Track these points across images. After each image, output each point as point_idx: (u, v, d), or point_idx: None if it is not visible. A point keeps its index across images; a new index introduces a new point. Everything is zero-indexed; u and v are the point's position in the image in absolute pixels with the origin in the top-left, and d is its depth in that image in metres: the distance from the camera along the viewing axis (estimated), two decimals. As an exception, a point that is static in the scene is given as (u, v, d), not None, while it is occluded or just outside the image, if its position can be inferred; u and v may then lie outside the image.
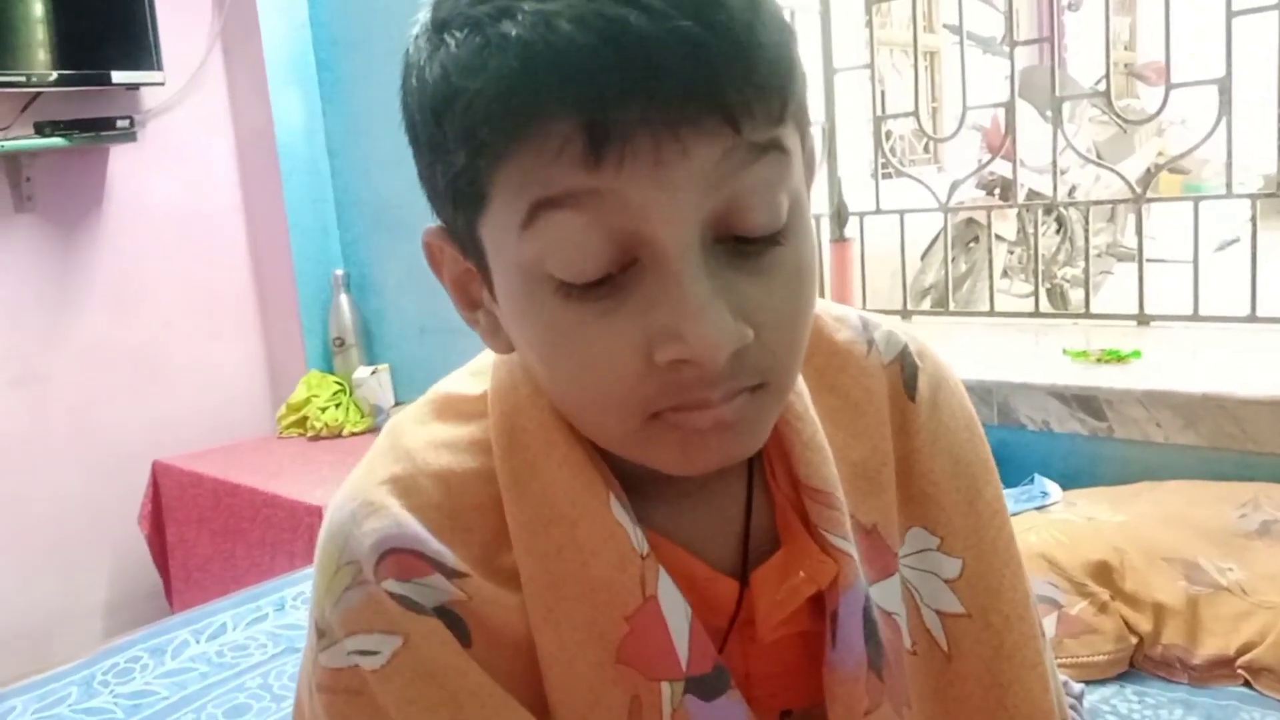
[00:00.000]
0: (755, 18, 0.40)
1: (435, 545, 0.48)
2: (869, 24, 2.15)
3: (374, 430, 2.43)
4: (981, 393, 1.58)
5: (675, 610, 0.49)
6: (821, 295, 2.22)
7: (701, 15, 0.38)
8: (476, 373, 0.56)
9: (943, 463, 0.58)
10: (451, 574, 0.48)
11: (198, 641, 1.41)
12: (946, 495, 0.57)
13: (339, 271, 2.55)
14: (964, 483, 0.58)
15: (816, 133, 2.20)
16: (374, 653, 0.48)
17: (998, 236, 3.38)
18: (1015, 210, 3.33)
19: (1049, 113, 1.99)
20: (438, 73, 0.42)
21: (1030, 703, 0.56)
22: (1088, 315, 1.96)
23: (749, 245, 0.42)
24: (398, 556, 0.48)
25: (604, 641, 0.49)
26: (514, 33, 0.39)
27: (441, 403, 0.55)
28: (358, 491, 0.51)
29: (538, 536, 0.49)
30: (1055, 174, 2.02)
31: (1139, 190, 1.89)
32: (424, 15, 0.45)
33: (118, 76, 2.21)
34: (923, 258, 3.37)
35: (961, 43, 2.02)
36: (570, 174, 0.39)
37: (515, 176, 0.41)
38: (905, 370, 0.59)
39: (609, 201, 0.40)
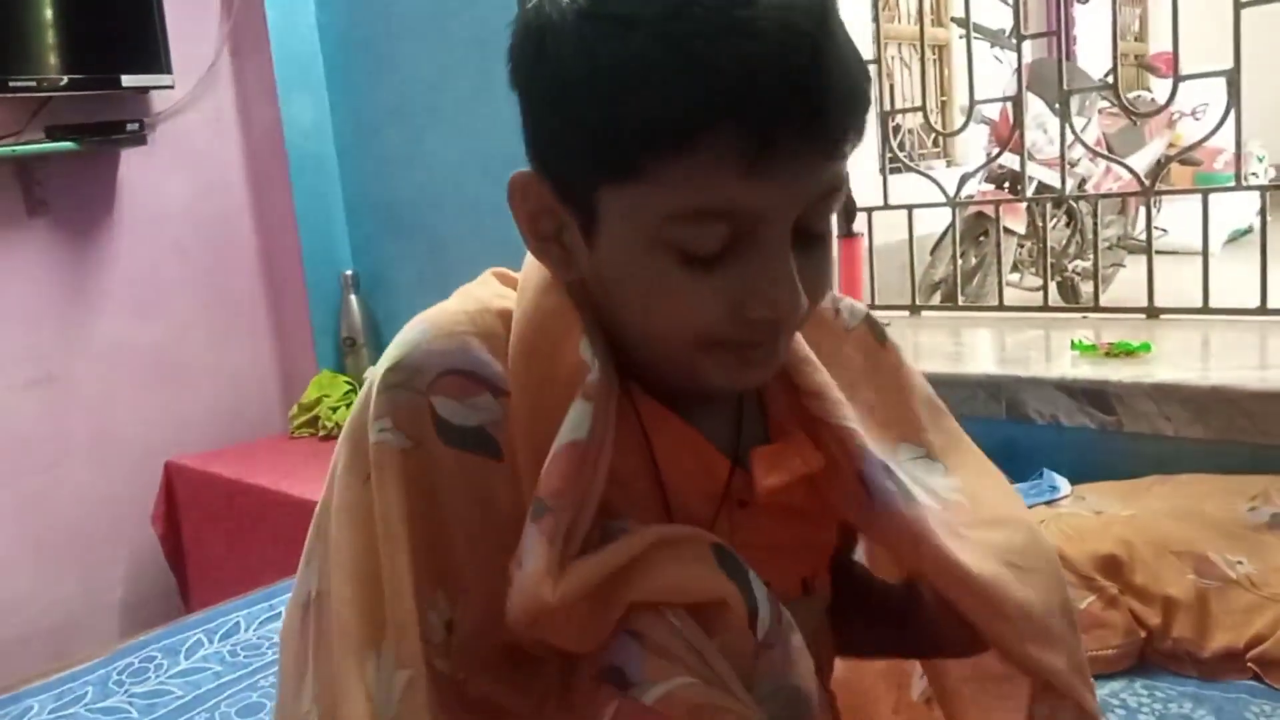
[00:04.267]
0: (864, 76, 0.54)
1: (494, 369, 0.59)
2: (876, 18, 2.14)
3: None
4: (991, 388, 1.58)
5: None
6: (830, 289, 2.22)
7: (844, 74, 0.51)
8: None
9: (918, 395, 0.74)
10: (498, 392, 0.59)
11: (211, 641, 1.43)
12: (921, 418, 0.73)
13: (349, 272, 2.56)
14: (932, 408, 0.75)
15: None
16: (398, 442, 0.57)
17: (1007, 230, 3.37)
18: (1025, 204, 3.32)
19: (1058, 105, 1.99)
20: (623, 63, 0.50)
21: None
22: (1096, 309, 1.95)
23: (808, 238, 0.56)
24: (456, 377, 0.58)
25: None
26: (714, 54, 0.48)
27: (500, 274, 0.67)
28: (434, 319, 0.61)
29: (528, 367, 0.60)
30: (1064, 167, 2.01)
31: (1148, 182, 1.88)
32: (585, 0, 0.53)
33: (128, 80, 2.22)
34: (932, 252, 3.36)
35: (969, 36, 2.02)
36: (727, 181, 0.50)
37: (680, 173, 0.50)
38: (874, 329, 0.75)
39: (746, 213, 0.52)
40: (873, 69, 2.14)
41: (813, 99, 0.50)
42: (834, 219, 0.61)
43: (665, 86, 0.49)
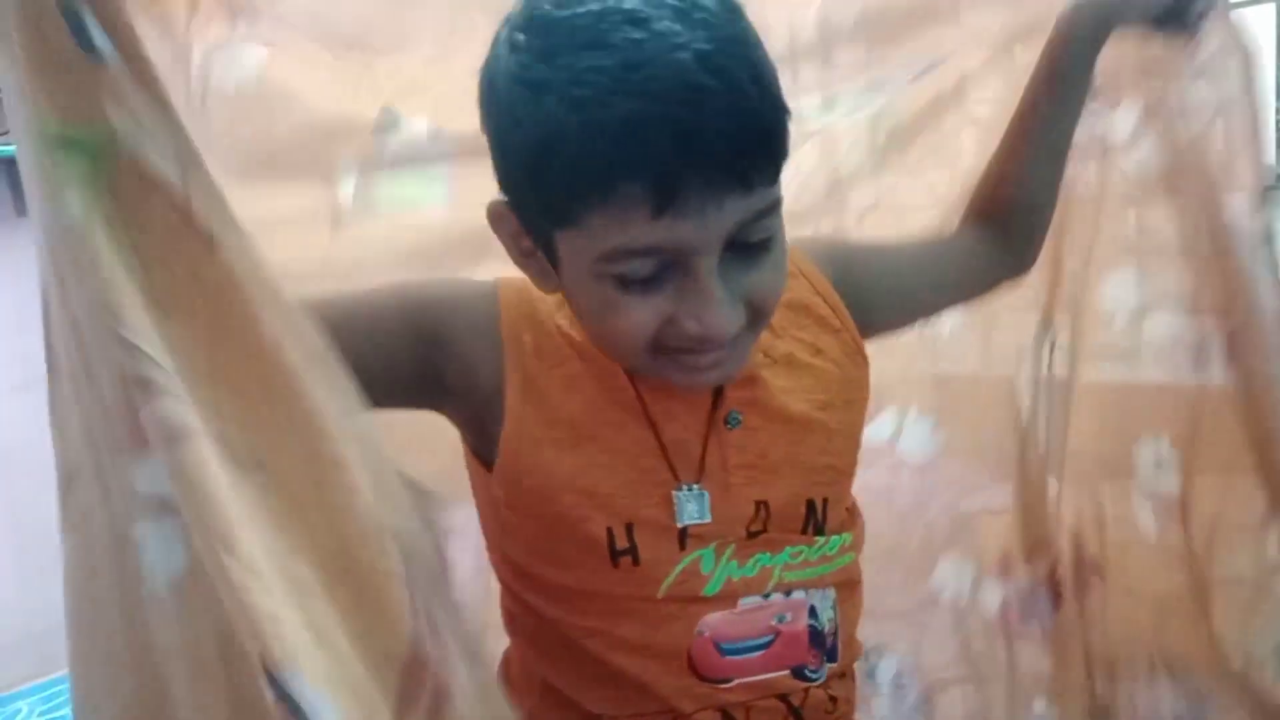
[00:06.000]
0: (775, 110, 0.57)
1: None
2: None
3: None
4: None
5: None
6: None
7: (740, 116, 0.55)
8: None
9: None
10: None
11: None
12: None
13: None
14: None
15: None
16: None
17: None
18: None
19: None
20: (540, 129, 0.55)
21: None
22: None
23: (746, 250, 0.59)
24: None
25: None
26: (607, 117, 0.53)
27: None
28: None
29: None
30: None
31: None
32: (515, 60, 0.57)
33: (117, 82, 2.21)
34: None
35: None
36: (640, 225, 0.55)
37: (602, 220, 0.56)
38: None
39: (666, 248, 0.57)
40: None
41: (704, 147, 0.54)
42: (778, 227, 0.62)
43: (574, 150, 0.54)
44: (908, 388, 1.04)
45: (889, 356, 0.82)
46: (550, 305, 0.69)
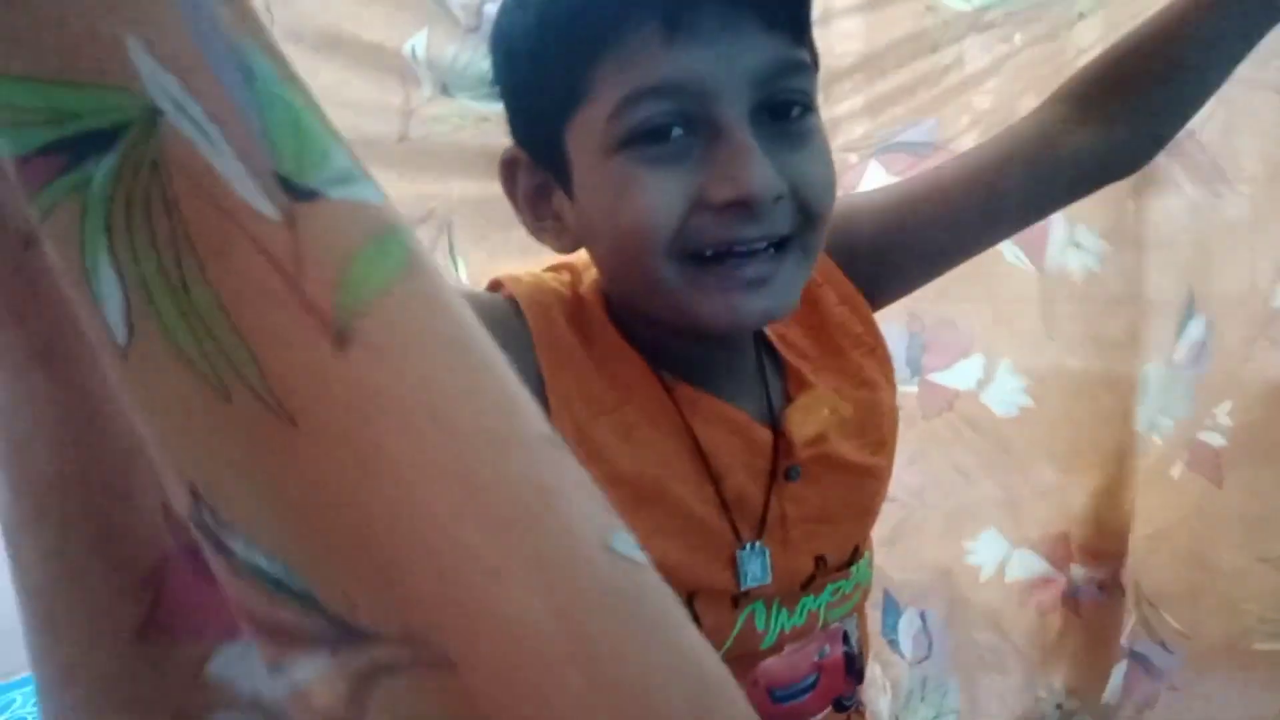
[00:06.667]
0: None
1: None
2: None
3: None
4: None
5: None
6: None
7: None
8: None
9: None
10: None
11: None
12: None
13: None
14: None
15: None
16: None
17: None
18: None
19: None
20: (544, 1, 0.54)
21: None
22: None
23: (783, 120, 0.54)
24: None
25: None
26: None
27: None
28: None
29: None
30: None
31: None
32: None
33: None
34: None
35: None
36: (653, 57, 0.51)
37: (612, 70, 0.51)
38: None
39: (682, 85, 0.51)
40: None
41: None
42: (815, 106, 0.56)
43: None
44: (1001, 336, 0.92)
45: (987, 300, 0.74)
46: (575, 329, 0.62)
